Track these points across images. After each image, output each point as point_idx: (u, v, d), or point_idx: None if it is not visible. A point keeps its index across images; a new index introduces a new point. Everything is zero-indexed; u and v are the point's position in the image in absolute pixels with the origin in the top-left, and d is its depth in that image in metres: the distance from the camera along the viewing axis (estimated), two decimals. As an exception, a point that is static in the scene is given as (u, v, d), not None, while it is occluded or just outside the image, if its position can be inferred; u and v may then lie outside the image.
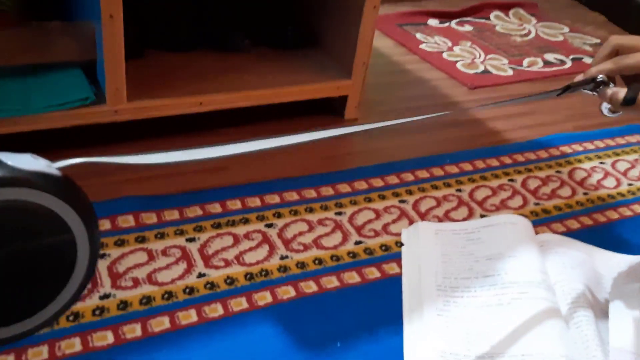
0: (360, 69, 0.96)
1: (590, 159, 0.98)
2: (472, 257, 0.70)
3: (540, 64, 1.33)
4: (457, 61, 1.29)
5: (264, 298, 0.63)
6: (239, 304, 0.62)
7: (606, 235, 0.80)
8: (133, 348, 0.55)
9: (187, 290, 0.62)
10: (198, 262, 0.66)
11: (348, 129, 0.51)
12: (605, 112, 0.58)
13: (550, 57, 1.38)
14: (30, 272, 0.36)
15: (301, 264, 0.68)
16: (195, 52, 0.99)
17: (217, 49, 1.00)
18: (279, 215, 0.75)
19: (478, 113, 1.09)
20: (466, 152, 0.95)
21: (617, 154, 1.01)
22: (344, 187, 0.82)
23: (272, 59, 1.00)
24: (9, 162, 0.34)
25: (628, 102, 0.54)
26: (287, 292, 0.64)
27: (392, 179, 0.86)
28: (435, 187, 0.85)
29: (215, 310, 0.60)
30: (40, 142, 0.81)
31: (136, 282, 0.62)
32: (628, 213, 0.85)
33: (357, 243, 0.72)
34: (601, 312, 0.63)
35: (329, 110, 1.01)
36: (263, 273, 0.66)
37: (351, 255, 0.70)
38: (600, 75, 0.56)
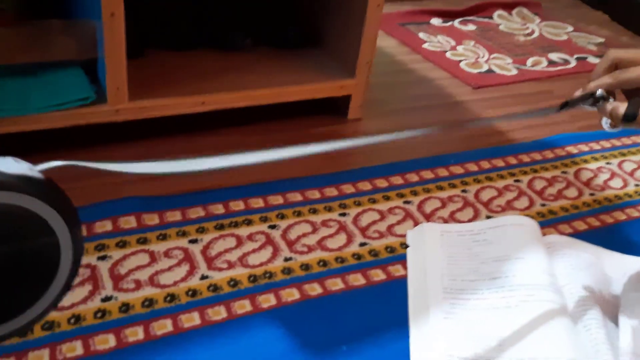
0: (364, 68, 0.95)
1: (596, 159, 0.97)
2: (479, 258, 0.69)
3: (545, 63, 1.32)
4: (460, 60, 1.28)
5: (267, 301, 0.62)
6: (243, 306, 0.61)
7: (614, 236, 0.79)
8: (135, 351, 0.54)
9: (190, 292, 0.61)
10: (201, 264, 0.65)
11: (350, 141, 0.50)
12: (606, 127, 0.57)
13: (554, 56, 1.37)
14: (13, 274, 0.36)
15: (305, 266, 0.67)
16: (196, 51, 0.98)
17: (218, 49, 0.99)
18: (282, 217, 0.74)
19: (483, 113, 1.08)
20: (471, 152, 0.94)
21: (624, 154, 1.00)
22: (348, 188, 0.81)
23: (274, 58, 0.99)
24: None
25: (628, 118, 0.53)
26: (291, 295, 0.63)
27: (397, 180, 0.85)
28: (440, 188, 0.84)
29: (218, 313, 0.59)
30: (41, 142, 0.80)
31: (138, 284, 0.61)
32: (635, 214, 0.84)
33: (362, 244, 0.71)
34: (611, 315, 0.62)
35: (332, 110, 1.00)
36: (267, 275, 0.65)
37: (356, 257, 0.69)
38: (600, 90, 0.55)
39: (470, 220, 0.78)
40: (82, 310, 0.58)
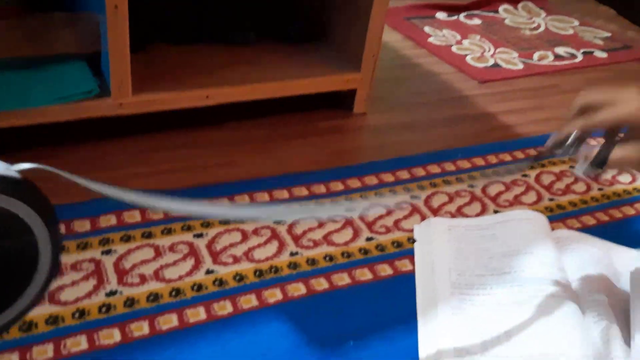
0: (370, 62, 0.94)
1: (604, 153, 0.96)
2: (487, 253, 0.68)
3: (551, 57, 1.31)
4: (466, 55, 1.27)
5: (274, 295, 0.61)
6: (249, 301, 0.60)
7: (623, 231, 0.78)
8: (140, 346, 0.54)
9: (195, 287, 0.61)
10: (206, 259, 0.64)
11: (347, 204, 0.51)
12: (579, 173, 0.54)
13: (560, 50, 1.35)
14: None
15: (311, 261, 0.66)
16: (200, 45, 0.97)
17: (223, 43, 0.98)
18: (288, 211, 0.73)
19: (490, 107, 1.07)
20: (478, 146, 0.93)
21: (632, 149, 0.98)
22: (354, 182, 0.81)
23: (279, 52, 0.98)
24: None
25: (598, 165, 0.52)
26: (297, 289, 0.62)
27: (403, 174, 0.84)
28: (447, 182, 0.83)
29: (224, 308, 0.59)
30: (44, 135, 0.80)
31: (143, 279, 0.61)
32: (644, 209, 0.83)
33: (369, 239, 0.71)
34: (620, 310, 0.61)
35: (338, 105, 0.99)
36: (273, 270, 0.64)
37: (362, 251, 0.69)
38: (572, 135, 0.53)
39: (477, 215, 0.77)
40: (86, 304, 0.57)
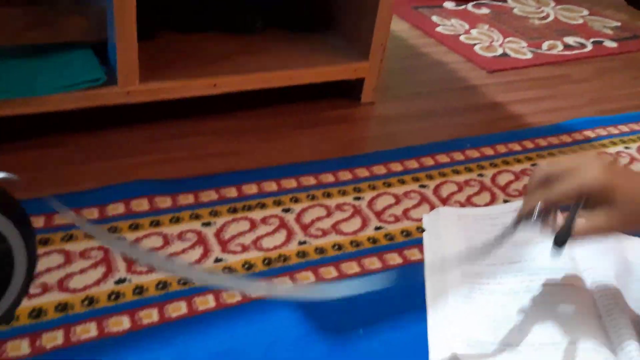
0: (378, 51, 0.94)
1: (614, 143, 0.95)
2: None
3: (560, 47, 1.30)
4: (474, 44, 1.26)
5: (283, 283, 0.61)
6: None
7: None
8: (150, 333, 0.53)
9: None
10: (214, 247, 0.64)
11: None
12: (552, 255, 0.51)
13: (570, 40, 1.34)
14: None
15: (320, 250, 0.66)
16: (207, 34, 0.97)
17: (230, 31, 0.98)
18: (296, 200, 0.73)
19: (498, 97, 1.06)
20: (487, 136, 0.92)
21: (643, 139, 0.97)
22: (362, 172, 0.80)
23: (287, 40, 0.98)
24: None
25: (559, 244, 0.50)
26: (306, 278, 0.62)
27: (412, 164, 0.83)
28: (457, 172, 0.83)
29: (233, 296, 0.59)
30: (51, 124, 0.79)
31: (152, 267, 0.61)
32: (656, 199, 0.82)
33: (377, 228, 0.70)
34: (632, 300, 0.61)
35: (346, 94, 0.98)
36: (281, 258, 0.64)
37: (371, 240, 0.68)
38: (536, 210, 0.52)
39: (487, 205, 0.77)
40: (95, 292, 0.57)
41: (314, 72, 0.91)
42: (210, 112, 0.89)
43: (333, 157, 0.82)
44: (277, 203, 0.72)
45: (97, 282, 0.58)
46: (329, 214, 0.71)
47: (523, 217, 0.53)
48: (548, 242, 0.51)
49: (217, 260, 0.63)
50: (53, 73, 0.76)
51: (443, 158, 0.85)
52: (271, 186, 0.75)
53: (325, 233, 0.68)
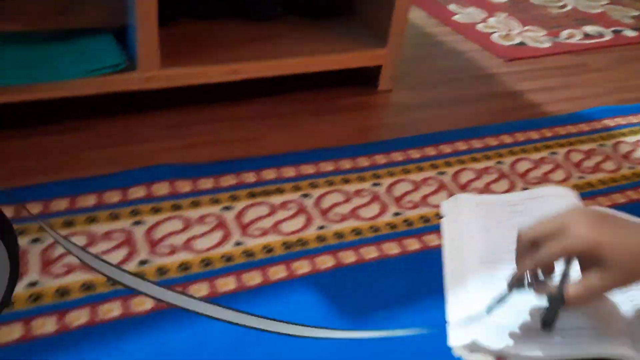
0: (396, 38, 0.93)
1: (634, 132, 0.94)
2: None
3: (579, 36, 1.29)
4: (492, 33, 1.25)
5: (302, 267, 0.61)
6: (277, 272, 0.60)
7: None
8: (172, 314, 0.54)
9: (225, 258, 0.61)
10: (234, 231, 0.65)
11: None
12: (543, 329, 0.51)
13: (589, 29, 1.33)
14: None
15: (339, 234, 0.66)
16: (226, 20, 0.97)
17: (249, 18, 0.98)
18: (314, 186, 0.73)
19: (516, 85, 1.06)
20: (506, 124, 0.92)
21: (663, 128, 0.96)
22: (381, 159, 0.80)
23: (305, 27, 0.98)
24: None
25: (546, 327, 0.50)
26: (325, 262, 0.62)
27: (430, 151, 0.83)
28: (475, 159, 0.82)
29: (253, 279, 0.59)
30: (71, 109, 0.80)
31: (173, 249, 0.61)
32: (676, 188, 0.82)
33: (396, 214, 0.70)
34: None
35: (363, 81, 0.98)
36: (301, 242, 0.64)
37: (390, 226, 0.68)
38: (527, 276, 0.51)
39: (506, 192, 0.76)
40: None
41: (333, 59, 0.91)
42: (229, 98, 0.89)
43: (351, 143, 0.82)
44: (296, 188, 0.72)
45: (121, 263, 0.59)
46: (347, 200, 0.72)
47: (515, 284, 0.52)
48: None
49: (237, 243, 0.63)
50: (74, 58, 0.77)
51: (461, 145, 0.85)
52: (290, 172, 0.75)
53: (344, 218, 0.69)
